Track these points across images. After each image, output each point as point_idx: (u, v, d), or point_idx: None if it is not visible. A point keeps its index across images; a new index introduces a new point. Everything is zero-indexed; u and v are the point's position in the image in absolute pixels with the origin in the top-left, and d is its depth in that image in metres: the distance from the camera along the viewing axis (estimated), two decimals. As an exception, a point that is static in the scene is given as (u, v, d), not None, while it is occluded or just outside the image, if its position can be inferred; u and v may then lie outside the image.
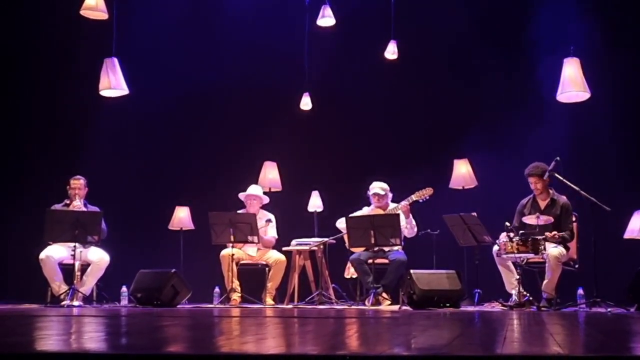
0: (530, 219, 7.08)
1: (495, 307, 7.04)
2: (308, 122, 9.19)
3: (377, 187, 8.24)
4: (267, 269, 8.28)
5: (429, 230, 8.12)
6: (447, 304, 7.01)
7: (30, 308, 7.26)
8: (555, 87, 7.47)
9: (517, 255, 6.83)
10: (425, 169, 8.65)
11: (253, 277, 8.39)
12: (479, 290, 7.41)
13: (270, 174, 9.11)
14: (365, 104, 9.40)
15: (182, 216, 9.19)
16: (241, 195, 8.53)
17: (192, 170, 9.58)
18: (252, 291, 8.22)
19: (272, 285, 8.24)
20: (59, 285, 7.74)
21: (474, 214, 7.43)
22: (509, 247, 6.83)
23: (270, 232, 8.49)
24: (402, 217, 7.91)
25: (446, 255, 8.05)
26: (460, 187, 8.61)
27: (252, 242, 8.05)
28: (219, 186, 9.08)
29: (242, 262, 8.30)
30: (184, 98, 9.47)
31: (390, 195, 8.29)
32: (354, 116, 9.44)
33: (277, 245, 8.52)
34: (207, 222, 8.00)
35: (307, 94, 8.98)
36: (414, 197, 8.00)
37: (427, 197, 7.97)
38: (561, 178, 7.08)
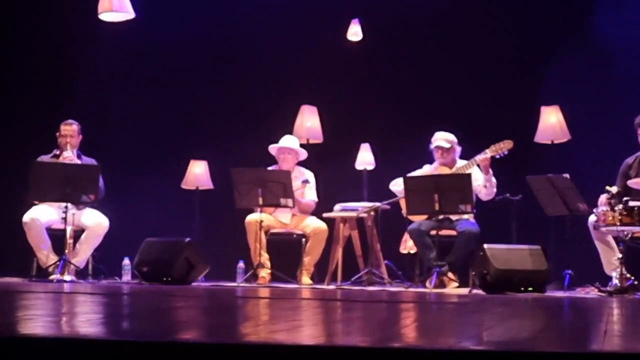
0: (636, 183, 7.00)
1: (591, 292, 7.03)
2: (357, 56, 9.14)
3: (441, 138, 8.19)
4: (303, 240, 8.32)
5: (507, 195, 8.09)
6: (530, 288, 7.00)
7: (11, 282, 7.39)
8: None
9: (619, 228, 6.77)
10: (504, 117, 8.57)
11: (286, 249, 8.45)
12: (570, 272, 7.39)
13: (308, 121, 9.09)
14: (430, 36, 9.29)
15: (198, 172, 9.25)
16: (272, 149, 8.54)
17: (211, 117, 9.62)
18: (285, 267, 8.28)
19: (309, 260, 8.29)
20: (46, 255, 7.84)
21: (566, 175, 7.38)
22: (610, 218, 6.77)
23: (308, 194, 8.51)
24: (478, 175, 7.88)
25: (529, 227, 8.02)
26: (549, 142, 8.53)
27: (286, 206, 8.08)
28: (244, 136, 9.10)
29: (272, 230, 8.35)
30: (203, 26, 9.44)
31: (458, 149, 8.23)
32: (415, 51, 9.35)
33: (317, 211, 8.54)
34: (230, 181, 8.05)
35: (356, 20, 8.92)
36: (488, 152, 7.93)
37: (506, 152, 7.90)
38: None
